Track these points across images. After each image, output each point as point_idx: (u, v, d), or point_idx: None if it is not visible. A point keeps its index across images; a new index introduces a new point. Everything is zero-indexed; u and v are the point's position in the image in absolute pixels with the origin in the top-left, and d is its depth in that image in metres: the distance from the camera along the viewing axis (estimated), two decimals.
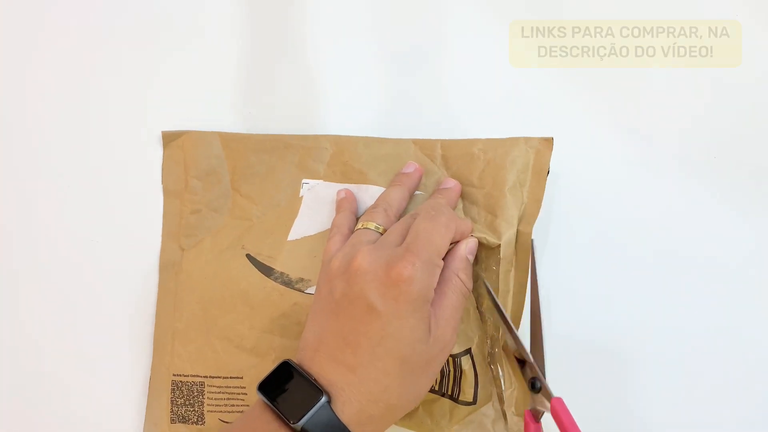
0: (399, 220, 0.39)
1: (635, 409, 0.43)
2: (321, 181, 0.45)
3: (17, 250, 0.48)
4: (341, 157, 0.45)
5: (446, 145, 0.44)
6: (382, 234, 0.39)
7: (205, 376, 0.43)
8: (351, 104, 0.47)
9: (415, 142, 0.44)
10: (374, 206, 0.41)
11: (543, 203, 0.42)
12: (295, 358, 0.36)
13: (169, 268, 0.46)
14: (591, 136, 0.46)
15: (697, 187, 0.45)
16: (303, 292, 0.41)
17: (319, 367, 0.35)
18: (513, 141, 0.42)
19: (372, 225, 0.39)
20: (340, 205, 0.43)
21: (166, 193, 0.47)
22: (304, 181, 0.45)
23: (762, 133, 0.45)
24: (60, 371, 0.47)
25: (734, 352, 0.43)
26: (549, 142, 0.42)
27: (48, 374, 0.47)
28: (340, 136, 0.46)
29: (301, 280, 0.42)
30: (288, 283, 0.42)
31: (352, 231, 0.41)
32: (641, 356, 0.43)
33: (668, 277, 0.44)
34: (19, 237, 0.48)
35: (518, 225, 0.41)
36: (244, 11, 0.48)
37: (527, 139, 0.42)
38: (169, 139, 0.47)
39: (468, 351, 0.39)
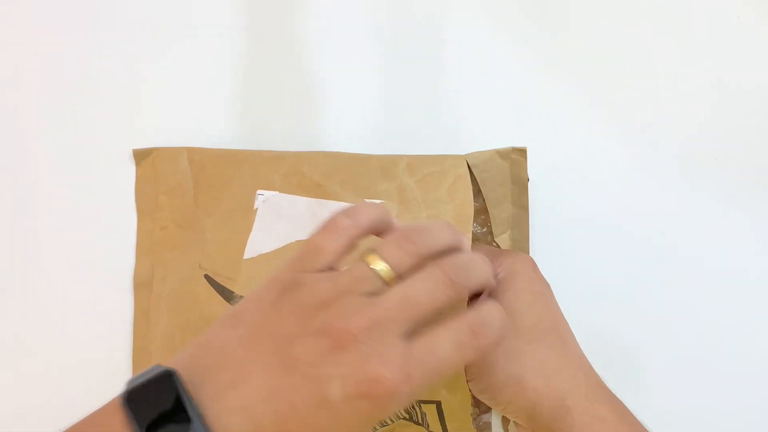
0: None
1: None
2: (276, 192, 0.42)
3: None
4: (299, 167, 0.42)
5: (413, 159, 0.41)
6: (386, 282, 0.27)
7: None
8: (347, 116, 0.46)
9: (379, 156, 0.42)
10: (399, 238, 0.28)
11: (544, 208, 0.43)
12: (187, 372, 0.26)
13: (143, 287, 0.44)
14: (592, 138, 0.45)
15: (697, 188, 0.44)
16: None
17: (222, 410, 0.25)
18: (485, 155, 0.41)
19: (382, 266, 0.27)
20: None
21: (139, 211, 0.45)
22: (258, 192, 0.42)
23: (763, 134, 0.43)
24: (41, 383, 0.46)
25: (736, 353, 0.43)
26: (523, 151, 0.41)
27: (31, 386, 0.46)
28: (303, 151, 0.43)
29: None
30: None
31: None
32: (643, 358, 0.43)
33: (669, 278, 0.43)
34: None
35: (511, 233, 0.41)
36: (239, 21, 0.46)
37: (499, 151, 0.41)
38: (141, 157, 0.45)
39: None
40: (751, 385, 0.43)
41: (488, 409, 0.42)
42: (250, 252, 0.41)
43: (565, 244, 0.44)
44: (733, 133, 0.43)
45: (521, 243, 0.42)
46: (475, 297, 0.38)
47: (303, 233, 0.41)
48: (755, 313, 0.43)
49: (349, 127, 0.46)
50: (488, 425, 0.41)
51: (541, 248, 0.42)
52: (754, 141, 0.43)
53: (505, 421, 0.42)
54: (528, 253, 0.42)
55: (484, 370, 0.33)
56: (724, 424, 0.43)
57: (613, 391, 0.35)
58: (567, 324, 0.36)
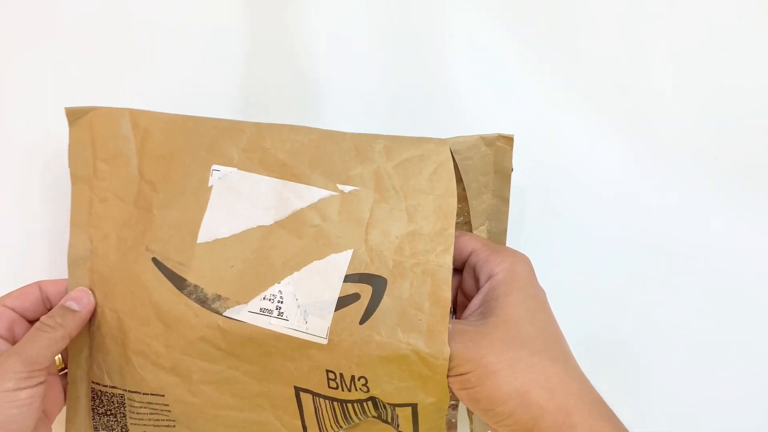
0: None
1: (634, 409, 0.44)
2: (235, 169, 0.37)
3: None
4: (261, 142, 0.37)
5: (391, 141, 0.37)
6: None
7: (125, 390, 0.39)
8: (348, 105, 0.44)
9: (353, 134, 0.37)
10: None
11: (542, 206, 0.43)
12: None
13: (79, 264, 0.39)
14: (591, 138, 0.44)
15: (696, 188, 0.43)
16: (221, 314, 0.36)
17: None
18: (469, 141, 0.37)
19: None
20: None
21: (74, 179, 0.39)
22: (214, 167, 0.38)
23: (763, 134, 0.43)
24: None
25: (735, 352, 0.43)
26: (509, 139, 0.37)
27: None
28: (265, 123, 0.38)
29: (218, 297, 0.36)
30: (203, 300, 0.36)
31: None
32: (639, 359, 0.43)
33: (668, 278, 0.43)
34: None
35: (488, 225, 0.39)
36: (242, 11, 0.45)
37: (484, 137, 0.37)
38: (75, 116, 0.38)
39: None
40: (751, 385, 0.43)
41: (454, 407, 0.40)
42: (204, 236, 0.37)
43: (560, 243, 0.43)
44: (732, 133, 0.43)
45: (498, 236, 0.39)
46: (458, 272, 0.38)
47: (266, 218, 0.37)
48: (754, 312, 0.43)
49: (343, 110, 0.43)
50: (454, 425, 0.40)
51: (535, 247, 0.40)
52: (753, 141, 0.43)
53: (471, 411, 0.41)
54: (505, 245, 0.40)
55: (484, 380, 0.31)
56: (724, 425, 0.43)
57: (606, 393, 0.34)
58: (563, 333, 0.35)
